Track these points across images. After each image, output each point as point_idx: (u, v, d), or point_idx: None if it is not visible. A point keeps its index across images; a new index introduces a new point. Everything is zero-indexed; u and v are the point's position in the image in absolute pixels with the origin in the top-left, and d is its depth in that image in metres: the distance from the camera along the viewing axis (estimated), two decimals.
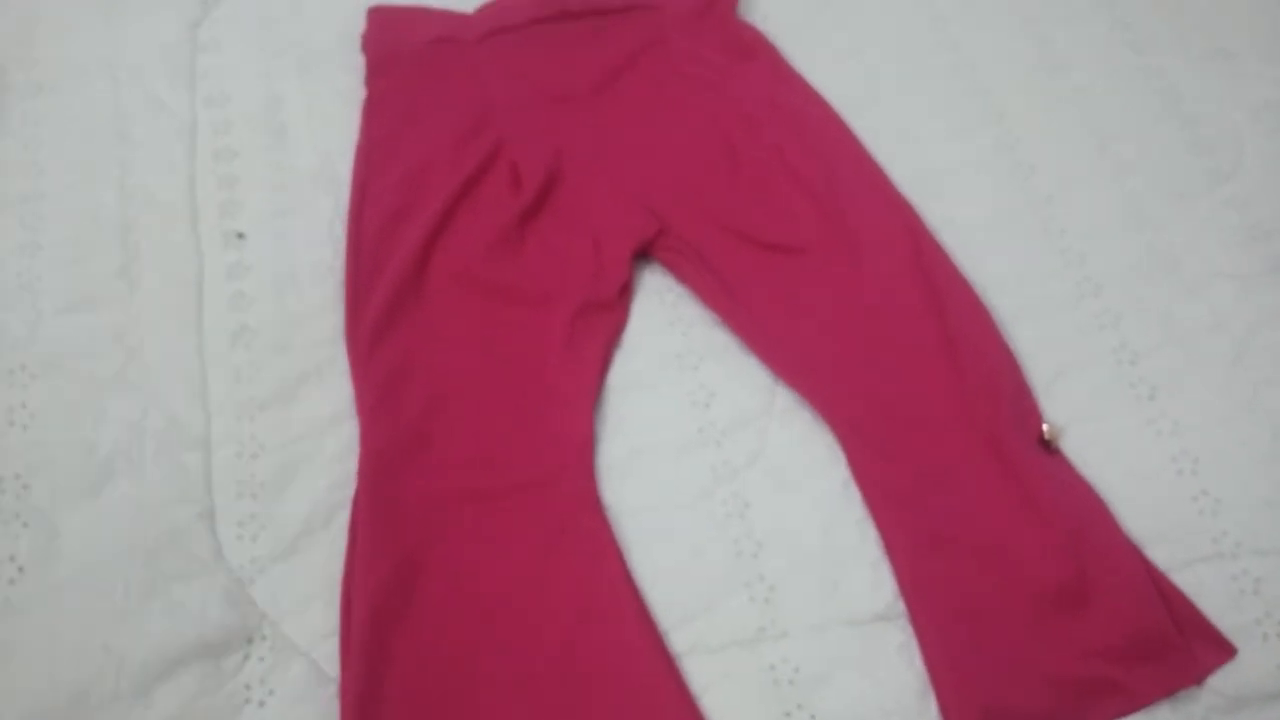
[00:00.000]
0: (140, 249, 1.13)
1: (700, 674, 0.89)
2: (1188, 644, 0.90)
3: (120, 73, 1.26)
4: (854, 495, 0.98)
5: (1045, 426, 1.01)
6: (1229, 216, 1.17)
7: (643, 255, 1.13)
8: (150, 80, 1.26)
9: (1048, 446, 1.00)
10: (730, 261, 1.12)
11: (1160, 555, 0.96)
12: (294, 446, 1.01)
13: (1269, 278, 1.13)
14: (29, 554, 0.93)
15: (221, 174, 1.19)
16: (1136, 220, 1.18)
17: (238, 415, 1.03)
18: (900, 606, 0.93)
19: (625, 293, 1.11)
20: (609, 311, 1.09)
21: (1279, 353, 1.08)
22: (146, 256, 1.12)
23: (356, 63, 1.27)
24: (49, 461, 0.98)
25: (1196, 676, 0.89)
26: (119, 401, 1.02)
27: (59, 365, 1.04)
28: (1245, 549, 0.96)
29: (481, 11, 1.30)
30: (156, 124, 1.22)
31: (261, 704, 0.87)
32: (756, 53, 1.28)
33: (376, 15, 1.30)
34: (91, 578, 0.91)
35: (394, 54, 1.26)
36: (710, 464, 1.01)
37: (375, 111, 1.22)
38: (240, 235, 1.14)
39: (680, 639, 0.91)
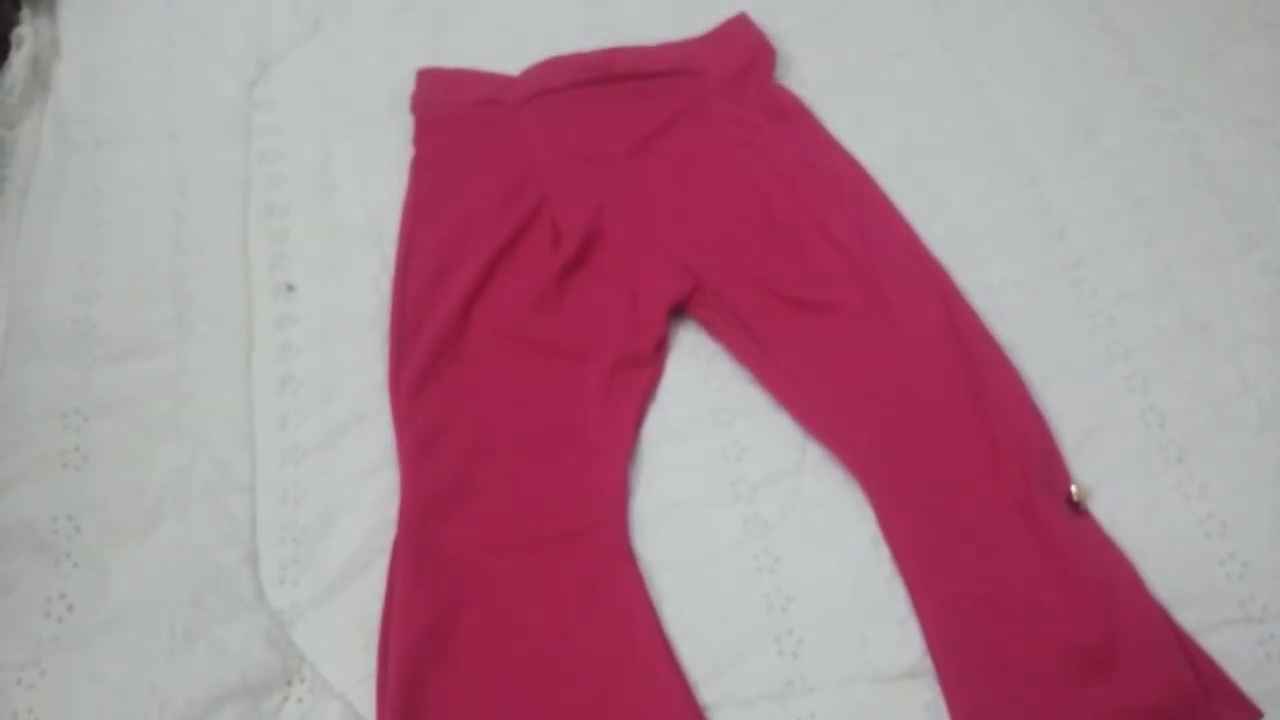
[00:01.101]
0: (193, 299, 1.17)
1: None
2: (1214, 707, 0.90)
3: (178, 128, 1.31)
4: (883, 552, 1.00)
5: (1074, 488, 1.02)
6: (1260, 281, 1.19)
7: (678, 312, 1.16)
8: (206, 137, 1.31)
9: (1076, 508, 1.01)
10: (764, 319, 1.14)
11: (1188, 618, 0.96)
12: (335, 493, 1.04)
13: None
14: (78, 593, 0.96)
15: (273, 228, 1.23)
16: (1167, 284, 1.19)
17: (282, 461, 1.06)
18: (928, 664, 0.94)
19: (661, 349, 1.13)
20: (645, 367, 1.11)
21: None
22: (199, 306, 1.16)
23: (406, 123, 1.31)
24: (99, 503, 1.02)
25: None
26: (169, 446, 1.06)
27: (111, 411, 1.08)
28: (1273, 613, 0.97)
29: (526, 74, 1.34)
30: (211, 178, 1.27)
31: None
32: (793, 116, 1.32)
33: (426, 77, 1.34)
34: (139, 618, 0.94)
35: (442, 115, 1.30)
36: (742, 518, 1.03)
37: (422, 170, 1.26)
38: (290, 288, 1.18)
39: (710, 692, 0.92)
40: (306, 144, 1.31)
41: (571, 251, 1.17)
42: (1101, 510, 1.02)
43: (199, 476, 1.04)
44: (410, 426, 1.06)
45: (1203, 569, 0.99)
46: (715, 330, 1.15)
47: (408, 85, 1.34)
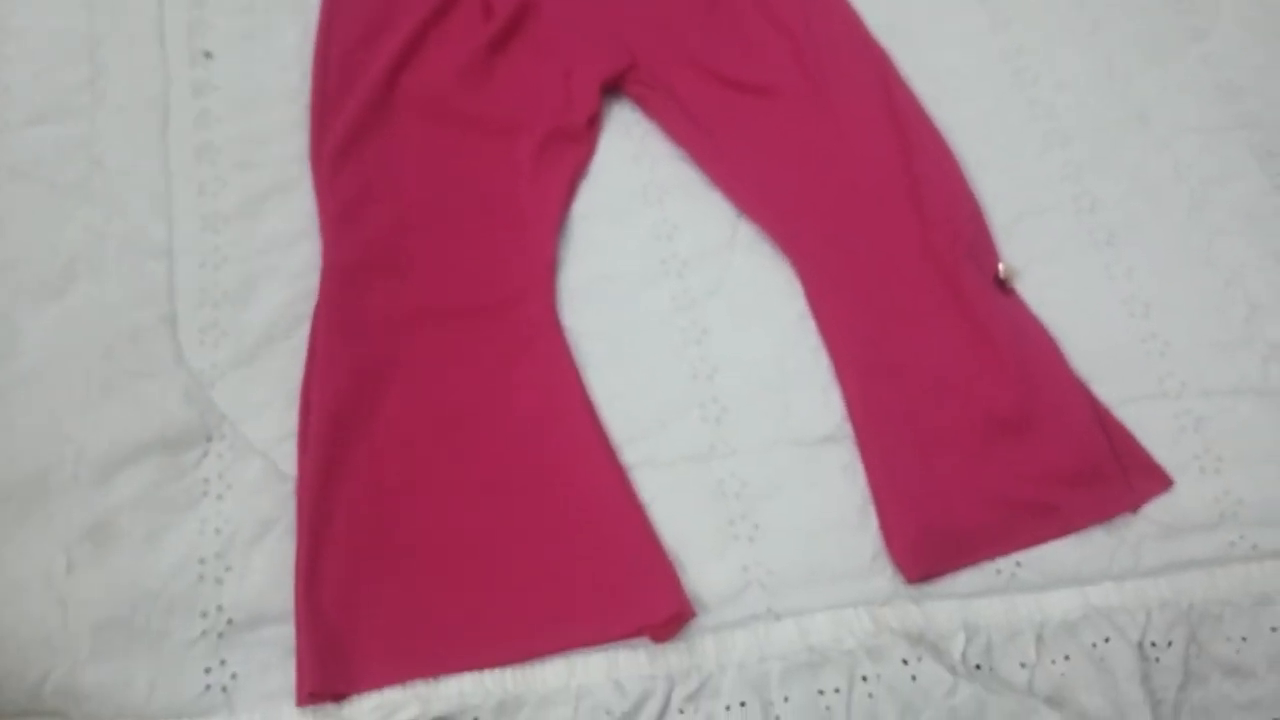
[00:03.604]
0: (107, 64, 1.11)
1: (650, 485, 0.91)
2: (1126, 474, 0.93)
3: None
4: (810, 326, 1.00)
5: (1001, 266, 1.02)
6: (1202, 74, 1.18)
7: (612, 89, 1.13)
8: None
9: (1003, 286, 1.02)
10: (700, 98, 1.12)
11: (1106, 391, 0.98)
12: (256, 260, 1.02)
13: (1234, 133, 1.14)
14: None
15: None
16: (1109, 75, 1.18)
17: (201, 227, 1.03)
18: (847, 429, 0.95)
19: (593, 124, 1.10)
20: (576, 142, 1.09)
21: (1235, 204, 1.10)
22: (113, 71, 1.11)
23: None
24: (11, 263, 0.98)
25: (1132, 504, 0.92)
26: (82, 210, 1.02)
27: (23, 174, 1.04)
28: (1190, 389, 0.99)
29: None
30: None
31: (220, 496, 0.89)
32: None
33: None
34: (53, 372, 0.92)
35: None
36: (671, 293, 1.02)
37: None
38: (208, 54, 1.13)
39: (632, 453, 0.93)
40: None
41: (503, 22, 1.13)
42: (1029, 290, 1.03)
43: (114, 239, 1.01)
44: (332, 194, 1.03)
45: (1124, 347, 1.01)
46: (649, 108, 1.12)
47: None
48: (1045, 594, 0.89)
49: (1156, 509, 0.93)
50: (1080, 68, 1.18)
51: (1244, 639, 0.89)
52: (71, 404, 0.91)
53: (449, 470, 0.91)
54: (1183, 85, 1.17)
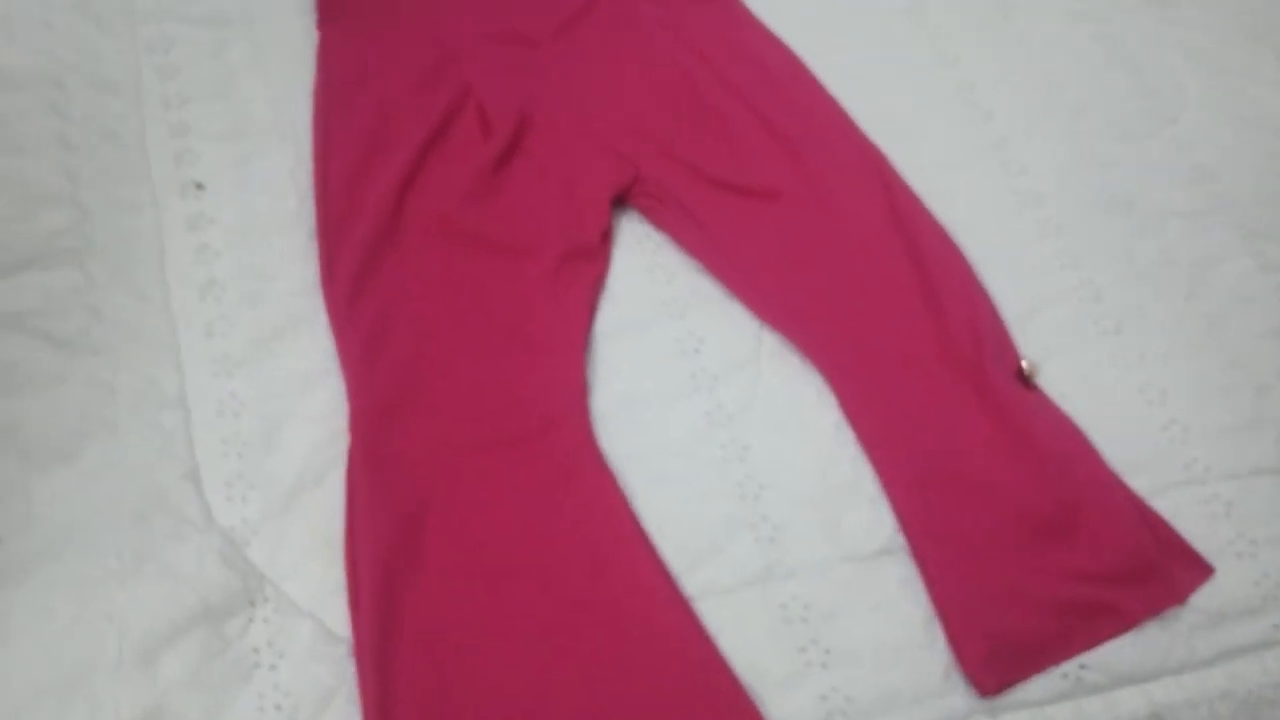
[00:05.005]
0: (90, 204, 1.06)
1: (714, 616, 0.90)
2: (1171, 566, 0.95)
3: (52, 15, 1.18)
4: (848, 436, 1.00)
5: (1024, 363, 1.04)
6: (1175, 157, 1.22)
7: (620, 202, 1.12)
8: (84, 23, 1.18)
9: (1026, 382, 1.03)
10: (706, 207, 1.11)
11: (1137, 484, 1.00)
12: (276, 403, 0.98)
13: (1214, 217, 1.18)
14: (4, 524, 0.88)
15: (172, 122, 1.13)
16: (1090, 161, 1.21)
17: (214, 372, 0.99)
18: (900, 541, 0.95)
19: (606, 240, 1.09)
20: (591, 260, 1.08)
21: (1227, 286, 1.13)
22: (98, 210, 1.06)
23: (305, 4, 1.21)
24: (13, 428, 0.93)
25: (1180, 596, 0.94)
26: (84, 362, 0.97)
27: (15, 327, 0.98)
28: (1214, 474, 1.01)
29: None
30: (93, 70, 1.15)
31: (273, 667, 0.85)
32: None
33: None
34: (78, 544, 0.87)
35: None
36: (704, 409, 1.01)
37: (330, 57, 1.18)
38: (199, 185, 1.09)
39: (691, 583, 0.91)
40: (197, 31, 1.20)
41: (504, 140, 1.11)
42: (1047, 384, 1.05)
43: (124, 393, 0.96)
44: (351, 330, 1.00)
45: (1146, 435, 1.03)
46: (659, 219, 1.12)
47: None
48: (1112, 693, 0.90)
49: (1202, 598, 0.95)
50: (1063, 155, 1.21)
51: None
52: (107, 578, 0.85)
53: (507, 616, 0.88)
54: (1160, 168, 1.21)
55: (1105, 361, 1.07)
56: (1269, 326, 1.10)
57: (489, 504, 0.93)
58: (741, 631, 0.90)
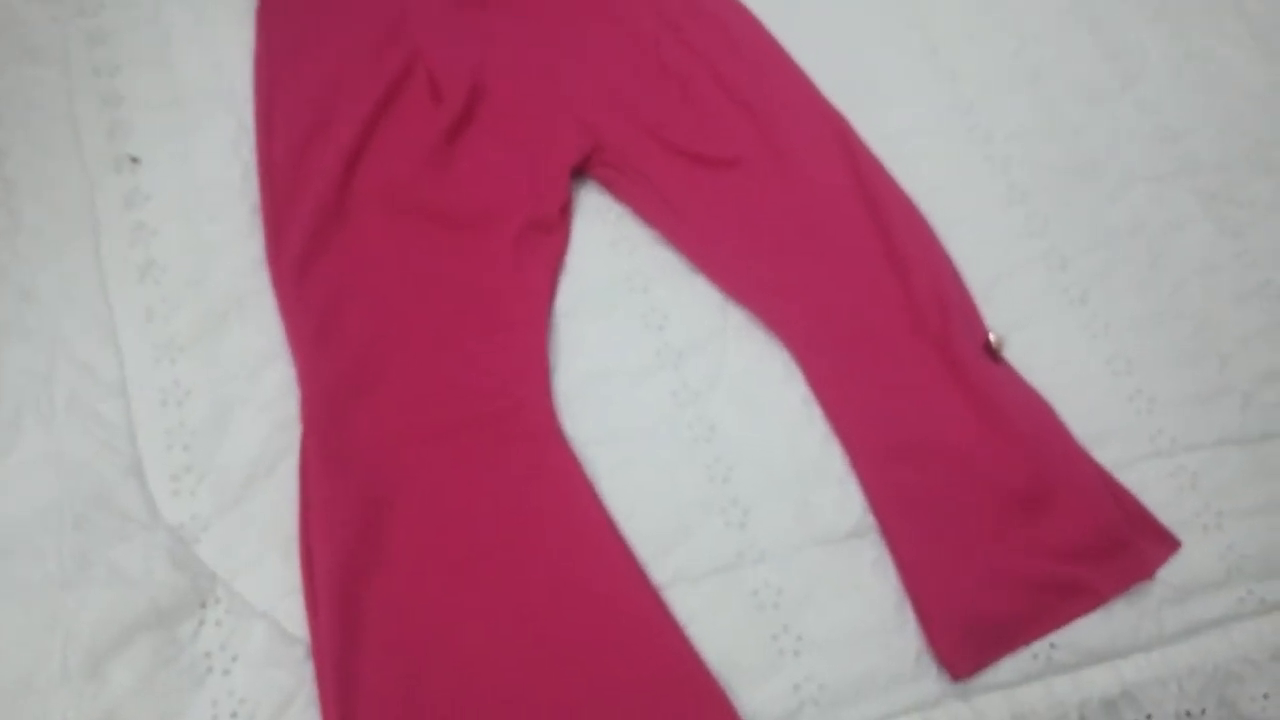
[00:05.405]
0: (17, 179, 1.01)
1: (685, 603, 0.88)
2: (1139, 542, 0.94)
3: None
4: (815, 411, 0.98)
5: (991, 336, 1.02)
6: (1139, 119, 1.20)
7: (579, 172, 1.08)
8: None
9: (994, 355, 1.02)
10: (669, 176, 1.08)
11: (1105, 456, 0.99)
12: (224, 388, 0.94)
13: (1179, 180, 1.17)
14: None
15: (103, 91, 1.07)
16: (1055, 124, 1.19)
17: (155, 359, 0.94)
18: (870, 521, 0.93)
19: (566, 212, 1.06)
20: (551, 232, 1.04)
21: (1190, 254, 1.12)
22: (26, 186, 1.00)
23: None
24: None
25: (1148, 571, 0.94)
26: (17, 349, 0.92)
27: None
28: (1180, 445, 1.01)
29: None
30: (14, 35, 1.08)
31: (226, 672, 0.81)
32: None
33: None
34: (18, 546, 0.83)
35: None
36: (670, 388, 0.99)
37: (271, 17, 1.12)
38: (135, 159, 1.03)
39: (661, 570, 0.89)
40: None
41: (458, 108, 1.06)
42: (1013, 355, 1.03)
43: (60, 382, 0.91)
44: (300, 311, 0.96)
45: (1113, 406, 1.02)
46: (619, 191, 1.08)
47: None
48: (1081, 672, 0.90)
49: (1169, 572, 0.94)
50: (1029, 119, 1.19)
51: (1266, 696, 0.91)
52: (48, 583, 0.81)
53: (474, 612, 0.85)
54: (1125, 131, 1.19)
55: (1072, 332, 1.06)
56: (1232, 293, 1.10)
57: (452, 495, 0.90)
58: (713, 619, 0.88)
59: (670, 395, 0.98)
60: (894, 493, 0.94)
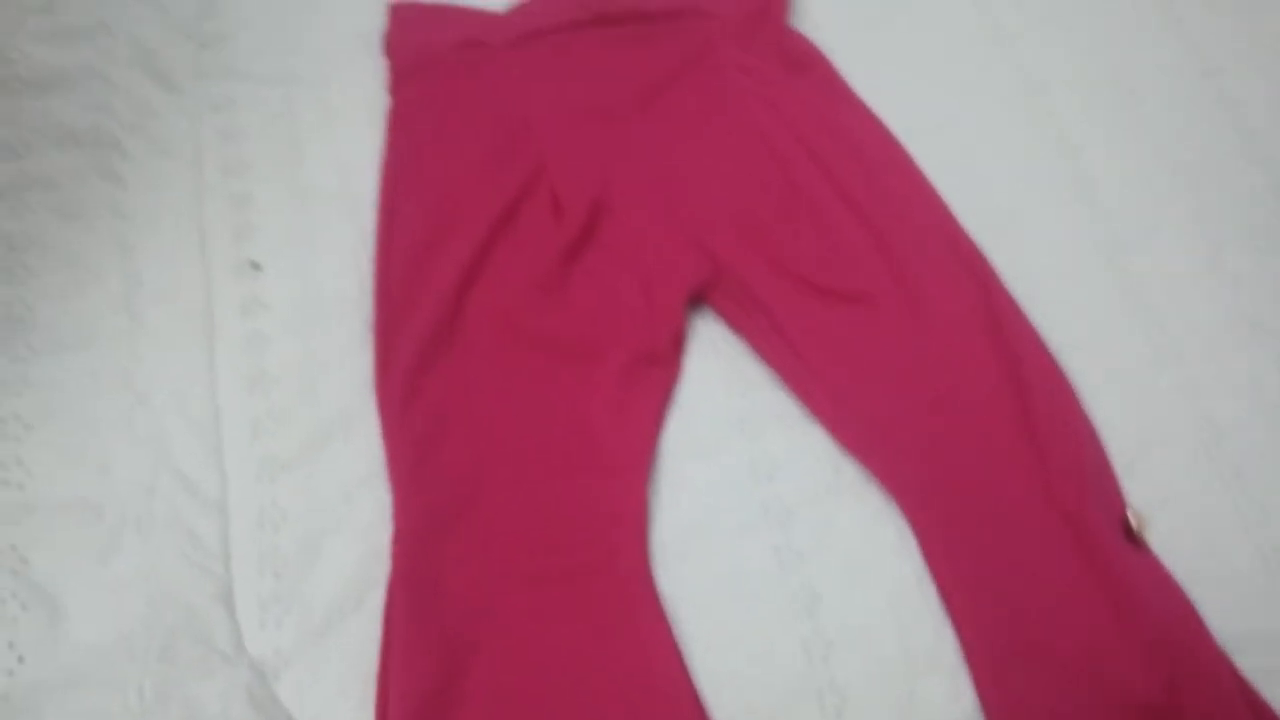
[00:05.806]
0: (143, 277, 1.02)
1: None
2: None
3: (109, 68, 1.13)
4: (929, 591, 0.91)
5: (1131, 516, 0.94)
6: None
7: (695, 301, 1.04)
8: (144, 79, 1.13)
9: (1134, 537, 0.93)
10: (788, 309, 1.03)
11: (1249, 664, 0.89)
12: (321, 513, 0.93)
13: None
14: (29, 640, 0.84)
15: (233, 191, 1.08)
16: (1216, 272, 1.10)
17: (257, 476, 0.94)
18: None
19: (677, 344, 1.02)
20: (661, 366, 1.00)
21: None
22: (150, 285, 1.02)
23: (377, 66, 1.15)
24: (48, 529, 0.88)
25: None
26: (125, 455, 0.93)
27: (54, 414, 0.94)
28: None
29: (513, 12, 1.19)
30: (152, 131, 1.10)
31: None
32: (810, 65, 1.19)
33: (400, 12, 1.18)
34: (101, 674, 0.82)
35: (419, 58, 1.15)
36: (774, 546, 0.93)
37: (400, 124, 1.12)
38: (256, 265, 1.03)
39: None
40: (264, 90, 1.14)
41: (578, 226, 1.04)
42: (1156, 537, 0.95)
43: (161, 495, 0.91)
44: (402, 436, 0.94)
45: (1266, 605, 0.93)
46: (737, 323, 1.04)
47: (379, 21, 1.17)
48: None
49: None
50: (1187, 264, 1.10)
51: None
52: (124, 716, 0.80)
53: None
54: None
55: (1222, 516, 0.97)
56: None
57: (534, 646, 0.86)
58: None
59: (773, 553, 0.93)
60: (1008, 695, 0.86)
